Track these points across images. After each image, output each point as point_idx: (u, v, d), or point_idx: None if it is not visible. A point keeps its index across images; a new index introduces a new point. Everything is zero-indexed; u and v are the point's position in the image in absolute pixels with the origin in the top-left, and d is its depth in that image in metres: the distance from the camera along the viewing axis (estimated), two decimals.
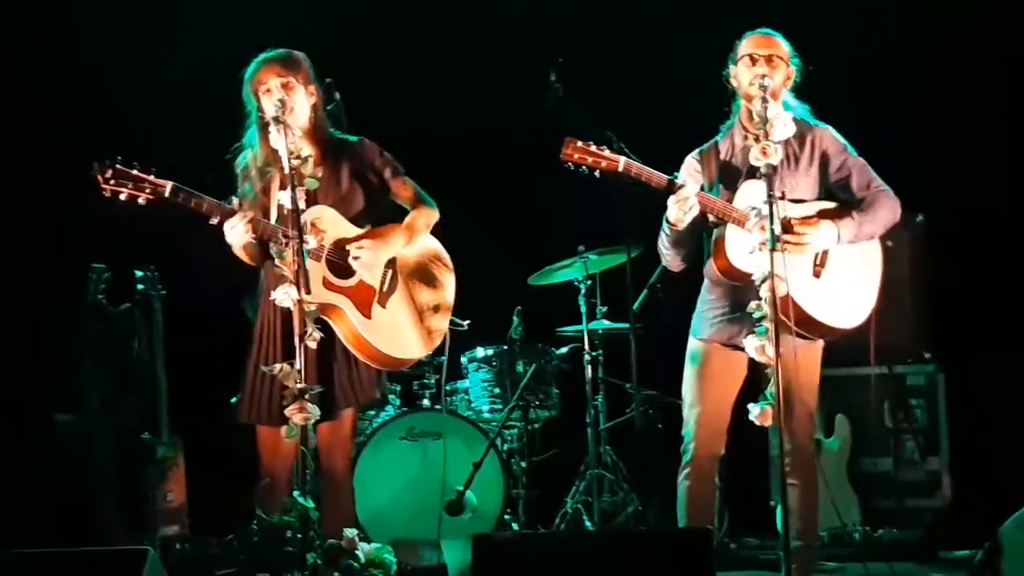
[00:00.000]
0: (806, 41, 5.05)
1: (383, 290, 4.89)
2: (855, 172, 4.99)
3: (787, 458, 4.77)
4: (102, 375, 6.40)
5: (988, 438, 6.85)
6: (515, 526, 6.57)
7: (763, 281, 4.44)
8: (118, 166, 4.44)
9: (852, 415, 6.79)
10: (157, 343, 6.38)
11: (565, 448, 7.00)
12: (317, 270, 4.66)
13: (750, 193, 4.71)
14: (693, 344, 5.04)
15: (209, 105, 5.02)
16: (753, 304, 4.48)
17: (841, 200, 4.98)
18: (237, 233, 4.58)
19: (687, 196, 4.69)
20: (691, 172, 5.02)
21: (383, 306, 4.87)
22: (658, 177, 4.74)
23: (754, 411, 4.48)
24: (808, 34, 5.11)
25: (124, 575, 4.05)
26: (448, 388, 7.00)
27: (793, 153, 4.96)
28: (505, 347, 6.87)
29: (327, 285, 4.74)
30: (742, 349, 4.68)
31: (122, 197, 4.44)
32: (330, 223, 4.77)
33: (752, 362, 4.57)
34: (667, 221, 4.81)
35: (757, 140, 4.53)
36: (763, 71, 4.80)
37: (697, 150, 5.09)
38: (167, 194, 4.48)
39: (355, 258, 4.79)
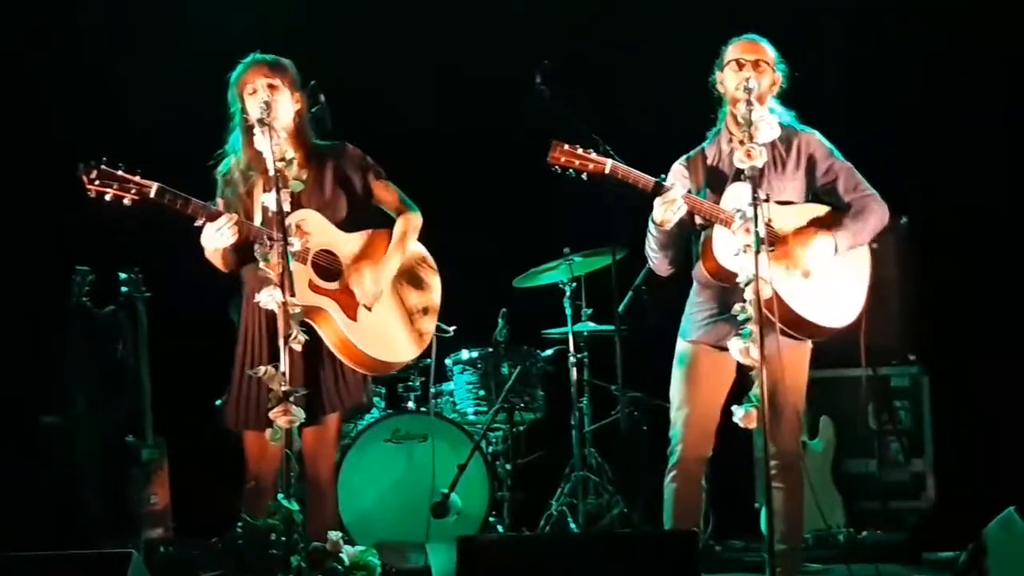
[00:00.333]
0: (798, 43, 5.06)
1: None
2: (842, 176, 4.99)
3: (773, 460, 4.77)
4: (87, 377, 6.37)
5: (972, 440, 6.86)
6: (500, 528, 6.56)
7: (748, 283, 4.44)
8: (103, 167, 4.41)
9: (836, 417, 6.79)
10: (141, 345, 6.36)
11: (550, 450, 7.00)
12: (302, 273, 4.64)
13: (736, 195, 4.71)
14: (681, 346, 5.03)
15: (205, 106, 4.98)
16: (738, 307, 4.47)
17: (828, 203, 4.99)
18: (223, 235, 4.55)
19: (674, 198, 4.69)
20: (678, 178, 5.01)
21: (369, 309, 4.84)
22: (645, 179, 4.74)
23: (738, 413, 4.46)
24: (799, 36, 5.12)
25: None
26: (433, 390, 6.97)
27: (780, 156, 4.96)
28: (490, 349, 6.87)
29: (312, 288, 4.71)
30: None
31: (107, 198, 4.41)
32: (316, 227, 4.74)
33: (740, 364, 4.57)
34: (653, 222, 4.81)
35: (742, 143, 4.53)
36: (749, 75, 4.80)
37: (684, 156, 5.09)
38: (152, 195, 4.45)
39: (357, 284, 4.79)
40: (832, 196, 4.99)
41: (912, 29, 7.15)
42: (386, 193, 5.00)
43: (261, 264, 4.47)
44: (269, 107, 4.57)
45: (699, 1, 7.22)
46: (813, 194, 5.01)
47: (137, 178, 4.44)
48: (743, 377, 4.62)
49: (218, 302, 5.19)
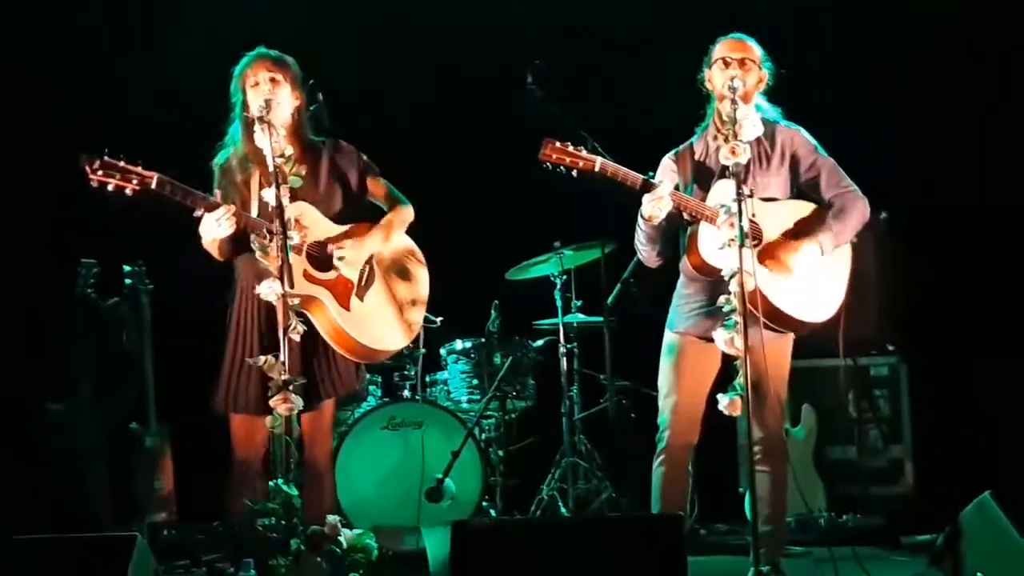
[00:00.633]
0: (781, 39, 5.07)
1: (361, 283, 4.89)
2: (824, 172, 5.00)
3: (758, 446, 4.80)
4: (92, 366, 6.37)
5: (949, 427, 6.88)
6: (493, 512, 6.57)
7: (732, 276, 4.46)
8: (105, 158, 4.41)
9: (818, 405, 6.80)
10: (145, 335, 6.36)
11: (541, 437, 7.00)
12: (297, 263, 4.64)
13: (722, 192, 4.72)
14: (669, 337, 5.05)
15: (205, 103, 4.98)
16: (722, 298, 4.50)
17: (811, 199, 5.01)
18: (221, 226, 4.56)
19: (662, 195, 4.71)
20: (667, 172, 5.03)
21: (361, 299, 4.86)
22: (633, 177, 4.75)
23: (723, 401, 4.49)
24: (783, 32, 5.12)
25: (113, 560, 4.04)
26: (428, 379, 7.01)
27: (764, 153, 4.98)
28: (483, 339, 6.87)
29: (307, 278, 4.73)
30: None
31: (109, 188, 4.41)
32: (310, 220, 4.76)
33: (726, 354, 4.59)
34: (642, 217, 4.83)
35: (727, 140, 4.55)
36: (735, 74, 4.81)
37: (673, 151, 5.10)
38: (153, 186, 4.46)
39: (339, 258, 4.80)
40: (815, 192, 5.01)
41: (894, 27, 7.14)
42: (379, 188, 5.02)
43: (259, 255, 4.48)
44: (269, 105, 4.58)
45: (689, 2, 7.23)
46: (797, 189, 5.03)
47: (138, 169, 4.44)
48: (728, 367, 4.64)
49: (218, 294, 5.20)
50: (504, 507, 6.67)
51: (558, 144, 4.71)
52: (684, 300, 5.03)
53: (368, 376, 6.85)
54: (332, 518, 4.54)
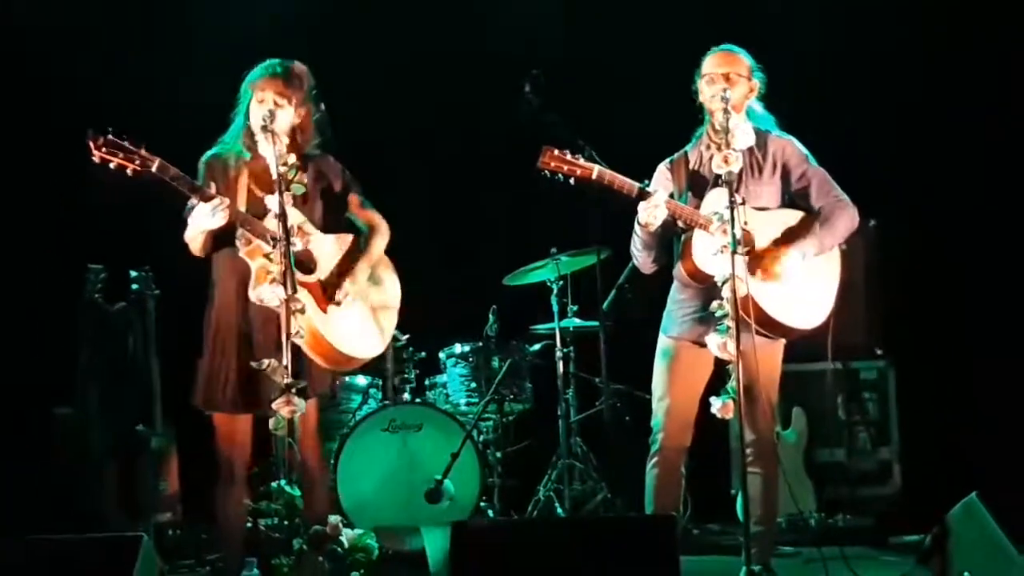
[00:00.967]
0: (773, 48, 5.08)
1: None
2: (815, 182, 5.00)
3: (749, 448, 4.80)
4: (99, 370, 6.36)
5: (936, 429, 6.88)
6: (491, 513, 6.56)
7: (724, 282, 4.45)
8: (110, 136, 4.40)
9: (808, 408, 6.80)
10: (151, 340, 6.34)
11: (538, 439, 7.00)
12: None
13: (715, 200, 4.72)
14: (663, 341, 5.05)
15: (216, 104, 4.97)
16: (715, 304, 4.49)
17: (802, 207, 5.00)
18: (215, 216, 4.53)
19: (657, 203, 4.71)
20: (662, 180, 5.03)
21: (338, 304, 4.85)
22: (629, 185, 4.75)
23: (716, 404, 4.48)
24: (774, 41, 5.12)
25: (120, 559, 4.04)
26: (427, 382, 7.02)
27: (756, 162, 4.98)
28: (481, 343, 6.87)
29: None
30: None
31: (112, 166, 4.39)
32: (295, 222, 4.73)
33: (718, 358, 4.58)
34: (638, 224, 4.82)
35: (720, 149, 4.55)
36: (721, 87, 4.80)
37: (668, 159, 5.11)
38: (154, 169, 4.44)
39: (344, 296, 4.80)
40: (806, 201, 5.01)
41: (888, 36, 7.15)
42: (359, 208, 5.01)
43: (242, 252, 4.46)
44: (273, 115, 4.58)
45: (685, 5, 7.23)
46: (789, 198, 5.03)
47: (142, 151, 4.43)
48: (720, 371, 4.63)
49: None
50: (502, 507, 6.66)
51: (556, 152, 4.71)
52: (678, 305, 5.02)
53: (369, 379, 6.86)
54: (334, 518, 4.53)
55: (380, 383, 6.91)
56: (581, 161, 4.73)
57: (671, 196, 4.86)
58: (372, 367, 6.64)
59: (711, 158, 4.67)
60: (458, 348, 6.93)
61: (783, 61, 5.12)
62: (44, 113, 6.92)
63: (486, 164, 7.10)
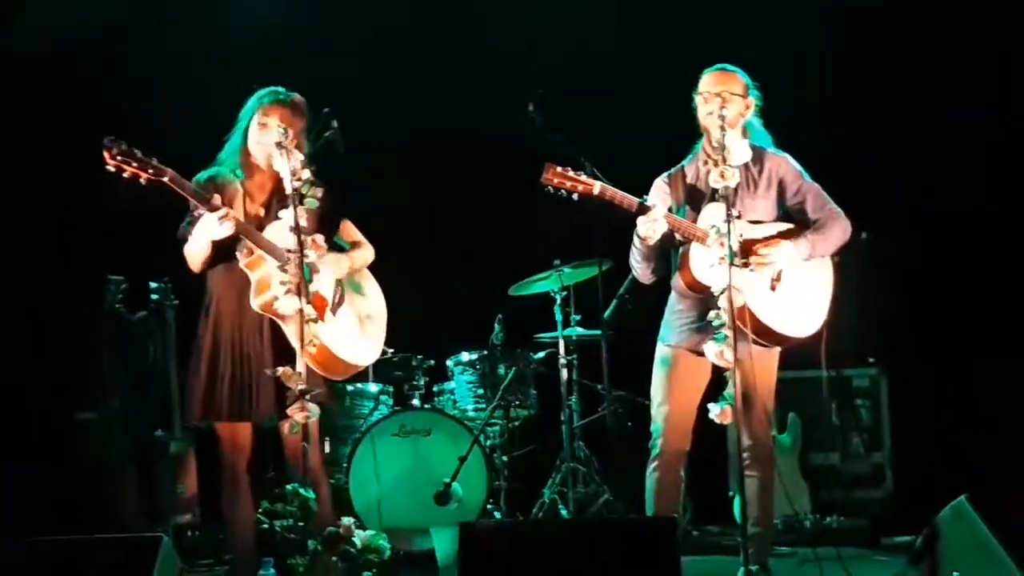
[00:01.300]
0: (769, 66, 5.07)
1: (334, 301, 4.91)
2: (810, 197, 5.01)
3: (746, 453, 4.82)
4: (120, 377, 6.39)
5: (927, 434, 6.88)
6: (497, 515, 6.57)
7: (722, 292, 4.47)
8: (125, 146, 4.42)
9: (803, 414, 6.81)
10: (170, 348, 6.37)
11: (542, 444, 7.00)
12: (277, 275, 4.53)
13: (712, 214, 4.73)
14: (662, 349, 5.06)
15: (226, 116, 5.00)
16: (712, 313, 4.51)
17: (798, 222, 5.02)
18: (222, 226, 4.55)
19: (656, 217, 4.73)
20: (660, 194, 5.05)
21: (334, 315, 4.88)
22: (629, 200, 4.78)
23: (714, 410, 4.49)
24: (771, 60, 5.12)
25: (140, 559, 4.06)
26: (435, 389, 7.03)
27: (752, 178, 4.99)
28: (487, 352, 6.88)
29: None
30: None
31: (125, 175, 4.40)
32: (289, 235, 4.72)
33: (715, 366, 4.59)
34: (638, 236, 4.85)
35: (716, 164, 4.57)
36: (715, 106, 4.80)
37: (666, 173, 5.12)
38: (166, 179, 4.45)
39: (338, 299, 4.87)
40: (801, 215, 5.02)
41: (888, 36, 7.15)
42: (348, 231, 5.04)
43: (242, 263, 4.50)
44: (288, 133, 4.59)
45: (684, 15, 7.24)
46: (783, 212, 5.04)
47: (154, 161, 4.45)
48: (718, 378, 4.65)
49: None
50: (508, 509, 6.66)
51: (559, 169, 4.74)
52: (676, 315, 5.04)
53: (380, 386, 6.89)
54: (347, 519, 4.54)
55: (391, 390, 6.94)
56: (583, 177, 4.75)
57: (669, 209, 4.88)
58: (383, 375, 6.74)
59: (708, 173, 4.69)
60: (465, 356, 6.94)
61: (783, 61, 5.10)
62: (69, 125, 6.92)
63: (492, 179, 7.11)
